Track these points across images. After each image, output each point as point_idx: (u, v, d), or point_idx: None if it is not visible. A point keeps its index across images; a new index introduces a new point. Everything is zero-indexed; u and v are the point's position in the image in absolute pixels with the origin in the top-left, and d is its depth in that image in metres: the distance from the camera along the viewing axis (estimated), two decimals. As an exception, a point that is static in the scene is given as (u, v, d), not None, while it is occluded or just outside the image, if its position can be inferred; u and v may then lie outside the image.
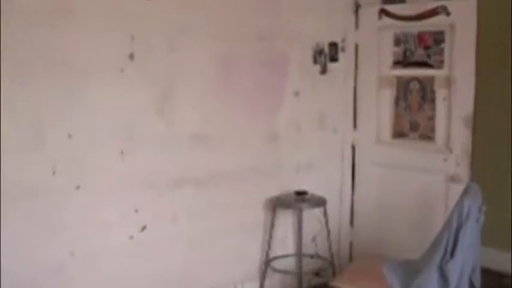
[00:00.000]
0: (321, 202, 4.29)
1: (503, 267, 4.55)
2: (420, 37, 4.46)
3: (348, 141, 4.77)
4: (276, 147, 4.35)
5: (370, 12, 4.62)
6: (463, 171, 4.24)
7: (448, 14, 4.27)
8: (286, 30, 4.30)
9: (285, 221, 4.46)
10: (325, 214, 4.33)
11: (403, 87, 4.60)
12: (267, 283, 4.34)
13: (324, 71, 4.54)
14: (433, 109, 4.45)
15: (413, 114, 4.56)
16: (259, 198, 4.31)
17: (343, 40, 4.64)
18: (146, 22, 3.64)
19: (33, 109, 3.31)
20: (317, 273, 4.55)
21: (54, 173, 3.39)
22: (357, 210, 4.83)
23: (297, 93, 4.40)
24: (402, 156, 4.58)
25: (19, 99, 3.25)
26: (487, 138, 4.69)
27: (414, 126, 4.56)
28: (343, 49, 4.65)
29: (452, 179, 4.26)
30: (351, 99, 4.74)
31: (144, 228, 3.75)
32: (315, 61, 4.50)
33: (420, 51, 4.47)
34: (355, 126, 4.77)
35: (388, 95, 4.67)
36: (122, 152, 3.61)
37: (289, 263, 4.44)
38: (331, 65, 4.58)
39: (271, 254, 4.35)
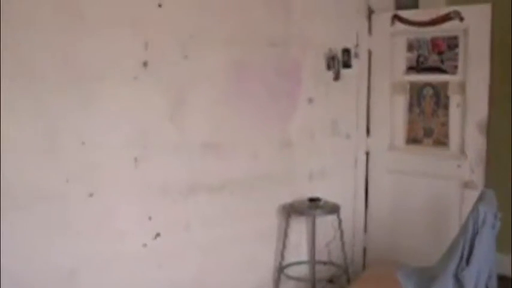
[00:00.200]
0: (334, 209, 4.28)
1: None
2: (434, 42, 4.45)
3: (361, 148, 4.75)
4: (289, 154, 4.34)
5: (383, 18, 4.60)
6: (478, 177, 4.22)
7: (461, 19, 4.25)
8: (299, 36, 4.29)
9: (299, 227, 4.45)
10: (338, 221, 4.31)
11: (416, 93, 4.58)
12: (280, 290, 4.34)
13: (337, 77, 4.53)
14: (447, 115, 4.44)
15: (427, 120, 4.54)
16: (273, 205, 4.30)
17: (356, 46, 4.64)
18: (159, 29, 3.64)
19: (47, 116, 3.30)
20: (331, 280, 4.52)
21: (67, 180, 3.39)
22: (370, 216, 4.81)
23: (310, 100, 4.40)
24: (416, 162, 4.56)
25: (32, 106, 3.25)
26: (501, 143, 4.65)
27: (428, 132, 4.53)
28: (356, 55, 4.64)
29: (467, 185, 4.24)
30: (364, 105, 4.72)
31: (157, 235, 3.75)
32: (328, 67, 4.50)
33: (434, 56, 4.45)
34: (368, 132, 4.75)
35: (401, 101, 4.65)
36: (135, 159, 3.60)
37: (303, 270, 4.43)
38: (344, 71, 4.57)
39: (285, 261, 4.34)
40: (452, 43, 4.36)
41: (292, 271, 4.36)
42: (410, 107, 4.62)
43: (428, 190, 4.45)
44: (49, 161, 3.33)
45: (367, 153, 4.77)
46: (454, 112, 4.39)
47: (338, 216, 4.30)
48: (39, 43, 3.24)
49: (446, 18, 4.32)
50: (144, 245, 3.71)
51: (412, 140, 4.63)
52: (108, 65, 3.48)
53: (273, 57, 4.17)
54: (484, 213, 3.00)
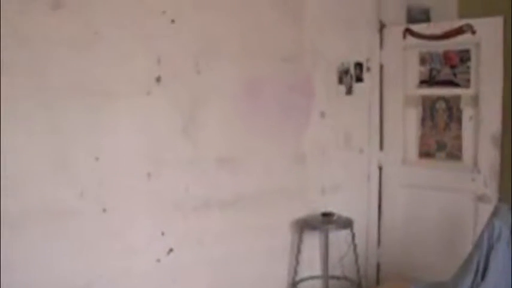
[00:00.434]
0: (347, 223, 4.26)
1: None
2: (446, 56, 4.43)
3: (374, 162, 4.74)
4: (301, 169, 4.34)
5: (395, 32, 4.61)
6: (492, 191, 4.18)
7: (473, 32, 4.24)
8: (311, 50, 4.31)
9: (312, 242, 4.43)
10: (352, 236, 4.29)
11: (429, 107, 4.56)
12: (294, 305, 4.32)
13: (349, 91, 4.53)
14: (460, 128, 4.41)
15: (439, 133, 4.52)
16: (286, 219, 4.29)
17: (368, 60, 4.63)
18: (172, 45, 3.67)
19: (61, 132, 3.33)
20: (344, 295, 4.51)
21: (81, 195, 3.41)
22: (384, 231, 4.78)
23: (322, 114, 4.40)
24: (429, 176, 4.53)
25: (47, 121, 3.29)
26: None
27: (441, 146, 4.51)
28: (368, 69, 4.63)
29: (481, 199, 4.21)
30: (377, 119, 4.71)
31: (170, 251, 3.75)
32: (340, 81, 4.50)
33: (446, 70, 4.44)
34: (381, 146, 4.74)
35: (414, 115, 4.64)
36: (148, 175, 3.62)
37: (316, 285, 4.41)
38: (356, 85, 4.57)
39: (298, 276, 4.32)
40: (464, 56, 4.34)
41: (305, 286, 4.35)
42: (423, 121, 4.60)
43: (441, 204, 4.42)
44: (63, 176, 3.36)
45: (380, 167, 4.75)
46: (467, 125, 4.36)
47: (351, 231, 4.28)
48: (54, 59, 3.28)
49: (458, 31, 4.31)
50: (158, 261, 3.72)
51: (425, 153, 4.61)
52: (122, 81, 3.51)
53: (285, 72, 4.18)
54: (500, 228, 2.97)
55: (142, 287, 3.66)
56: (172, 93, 3.68)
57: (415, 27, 4.54)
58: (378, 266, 4.82)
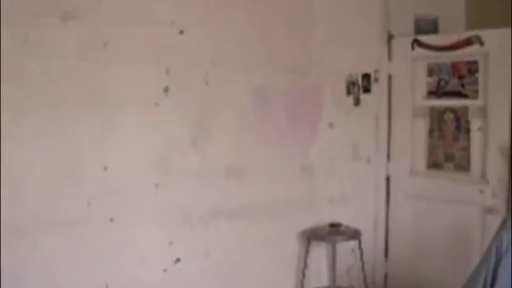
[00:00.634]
0: (355, 234, 4.25)
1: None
2: (454, 67, 4.43)
3: (382, 173, 4.73)
4: (309, 179, 4.34)
5: (403, 43, 4.61)
6: (500, 203, 4.16)
7: (481, 43, 4.23)
8: (319, 62, 4.31)
9: (319, 253, 4.43)
10: (359, 246, 4.28)
11: (437, 118, 4.55)
12: (301, 316, 4.31)
13: (357, 102, 4.53)
14: (468, 139, 4.39)
15: (447, 144, 4.50)
16: (293, 230, 4.29)
17: (376, 71, 4.64)
18: (181, 56, 3.69)
19: (70, 142, 3.36)
20: (352, 306, 4.50)
21: (89, 205, 3.43)
22: (391, 241, 4.77)
23: (331, 125, 4.40)
24: (437, 187, 4.52)
25: (56, 131, 3.31)
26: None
27: (449, 157, 4.50)
28: (376, 80, 4.64)
29: (489, 210, 4.18)
30: (385, 130, 4.71)
31: (177, 260, 3.76)
32: (348, 92, 4.50)
33: (454, 81, 4.43)
34: (389, 157, 4.73)
35: (422, 126, 4.63)
36: (156, 185, 3.63)
37: (324, 296, 4.40)
38: (364, 96, 4.57)
39: (305, 287, 4.31)
40: (472, 67, 4.33)
41: (312, 296, 4.34)
42: (431, 132, 4.59)
43: (449, 215, 4.40)
44: (71, 186, 3.38)
45: (388, 178, 4.74)
46: (475, 137, 4.34)
47: (359, 242, 4.28)
48: (64, 69, 3.31)
49: (466, 42, 4.31)
50: (165, 270, 3.73)
51: (433, 164, 4.60)
52: (130, 91, 3.53)
53: (293, 83, 4.19)
54: (508, 240, 2.95)
55: (149, 297, 3.68)
56: (181, 104, 3.70)
57: (423, 38, 4.54)
58: (386, 277, 4.80)
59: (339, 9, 4.41)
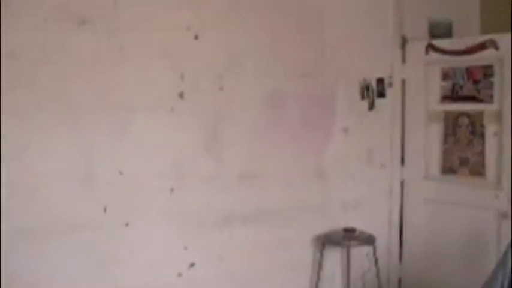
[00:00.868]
0: (370, 239, 4.24)
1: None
2: (469, 71, 4.40)
3: (396, 177, 4.71)
4: (323, 184, 4.33)
5: (417, 47, 4.59)
6: (516, 208, 4.14)
7: (496, 48, 4.21)
8: (333, 66, 4.30)
9: (333, 258, 4.41)
10: (374, 252, 4.27)
11: (451, 122, 4.53)
12: (315, 321, 4.30)
13: (371, 106, 4.52)
14: (483, 144, 4.36)
15: (462, 149, 4.48)
16: (307, 235, 4.28)
17: (391, 75, 4.62)
18: (195, 61, 3.71)
19: (85, 146, 3.39)
20: (366, 312, 4.48)
21: (104, 209, 3.45)
22: (405, 247, 4.74)
23: (345, 130, 4.39)
24: (452, 192, 4.49)
25: (71, 137, 3.34)
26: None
27: (464, 162, 4.47)
28: (390, 84, 4.62)
29: (504, 215, 4.15)
30: (399, 134, 4.68)
31: (192, 265, 3.76)
32: (362, 97, 4.49)
33: (469, 85, 4.41)
34: (403, 161, 4.71)
35: (436, 130, 4.60)
36: (171, 190, 3.64)
37: (338, 301, 4.39)
38: (378, 101, 4.55)
39: (319, 292, 4.31)
40: (488, 72, 4.31)
41: (326, 302, 4.33)
42: (446, 136, 4.57)
43: (464, 220, 4.38)
44: (87, 190, 3.41)
45: (402, 183, 4.73)
46: (490, 141, 4.31)
47: (373, 247, 4.26)
48: (79, 74, 3.33)
49: (481, 47, 4.28)
50: (179, 275, 3.74)
51: (448, 169, 4.57)
52: (146, 96, 3.56)
53: (307, 88, 4.19)
54: (524, 246, 2.94)
55: (163, 301, 3.68)
56: (196, 108, 3.72)
57: (438, 43, 4.52)
58: (400, 281, 4.78)
59: (353, 14, 4.40)
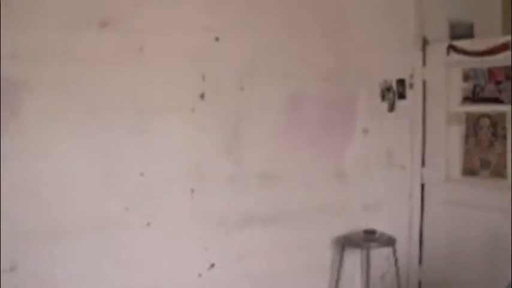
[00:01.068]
0: (390, 241, 4.23)
1: None
2: (490, 72, 4.38)
3: (416, 179, 4.68)
4: (343, 185, 4.32)
5: (438, 48, 4.56)
6: (538, 211, 4.10)
7: (518, 48, 4.19)
8: (354, 67, 4.29)
9: (353, 259, 4.40)
10: (394, 254, 4.25)
11: (472, 124, 4.50)
12: (334, 323, 4.29)
13: (392, 108, 4.50)
14: (505, 146, 4.32)
15: (483, 151, 4.45)
16: (327, 236, 4.27)
17: (411, 77, 4.60)
18: (216, 62, 3.71)
19: (107, 147, 3.40)
20: (385, 314, 4.47)
21: (126, 209, 3.46)
22: (425, 249, 4.72)
23: (365, 131, 4.37)
24: (473, 194, 4.45)
25: (93, 138, 3.35)
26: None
27: (485, 164, 4.44)
28: (411, 86, 4.60)
29: (526, 218, 4.13)
30: (419, 136, 4.66)
31: (212, 266, 3.77)
32: (383, 98, 4.47)
33: (490, 86, 4.38)
34: (423, 163, 4.69)
35: (457, 132, 4.58)
36: (192, 190, 3.65)
37: (357, 303, 4.38)
38: (399, 102, 4.54)
39: (339, 293, 4.30)
40: (509, 73, 4.27)
41: (346, 303, 4.32)
42: (466, 138, 4.54)
43: (485, 223, 4.33)
44: (109, 190, 3.42)
45: (423, 185, 4.70)
46: (512, 143, 4.30)
47: (394, 249, 4.24)
48: (99, 75, 3.35)
49: (503, 47, 4.24)
50: (200, 275, 3.74)
51: (469, 171, 4.54)
52: (167, 97, 3.57)
53: (327, 89, 4.18)
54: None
55: (183, 302, 3.70)
56: (216, 109, 3.73)
57: (459, 44, 4.49)
58: (419, 284, 4.75)
59: (374, 15, 4.39)
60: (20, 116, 3.13)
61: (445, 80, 4.57)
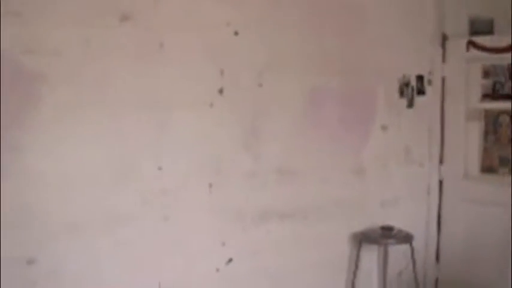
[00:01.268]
0: (407, 238, 4.21)
1: None
2: (511, 69, 4.33)
3: (434, 176, 4.66)
4: (361, 182, 4.31)
5: (457, 45, 4.53)
6: (557, 209, 4.07)
7: (539, 45, 4.15)
8: (372, 63, 4.27)
9: (370, 255, 4.39)
10: (411, 250, 4.23)
11: (492, 121, 4.47)
12: (350, 319, 4.29)
13: (410, 104, 4.47)
14: (524, 143, 4.31)
15: (503, 148, 4.42)
16: (344, 232, 4.26)
17: (430, 73, 4.57)
18: (235, 57, 3.71)
19: (126, 141, 3.41)
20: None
21: (144, 204, 3.47)
22: (443, 246, 4.69)
23: (383, 128, 4.36)
24: (491, 191, 4.41)
25: (111, 131, 3.36)
26: None
27: (504, 161, 4.41)
28: (430, 82, 4.57)
29: (546, 216, 4.10)
30: (438, 133, 4.63)
31: (230, 261, 3.78)
32: (401, 94, 4.45)
33: (510, 83, 4.34)
34: (441, 160, 4.66)
35: (476, 129, 4.55)
36: (210, 185, 3.66)
37: (373, 300, 4.37)
38: (417, 98, 4.51)
39: (355, 290, 4.29)
40: (530, 70, 4.25)
41: (362, 300, 4.32)
42: (485, 135, 4.51)
43: (504, 221, 4.29)
44: (126, 185, 3.43)
45: (441, 182, 4.67)
46: (532, 141, 4.27)
47: (411, 246, 4.23)
48: (119, 70, 3.35)
49: (523, 45, 4.22)
50: (217, 270, 3.75)
51: (487, 168, 4.51)
52: (185, 92, 3.56)
53: (346, 85, 4.16)
54: None
55: (201, 296, 3.71)
56: (235, 105, 3.72)
57: (479, 40, 4.45)
58: (436, 281, 4.73)
59: (392, 10, 4.36)
60: (38, 109, 3.14)
61: (464, 76, 4.53)
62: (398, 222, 4.33)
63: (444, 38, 4.60)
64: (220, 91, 3.66)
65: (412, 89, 4.48)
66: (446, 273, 4.66)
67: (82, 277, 3.32)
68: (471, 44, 4.47)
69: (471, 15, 4.69)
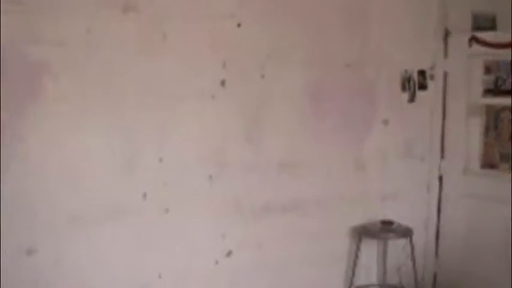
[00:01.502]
0: (407, 233, 4.21)
1: None
2: (513, 65, 4.34)
3: (435, 171, 4.65)
4: (362, 176, 4.31)
5: (460, 40, 4.51)
6: (558, 206, 4.07)
7: (542, 41, 4.14)
8: (375, 57, 4.27)
9: (369, 249, 4.40)
10: (411, 245, 4.24)
11: (493, 117, 4.47)
12: (349, 313, 4.30)
13: (412, 99, 4.47)
14: (525, 139, 4.31)
15: (504, 144, 4.41)
16: (344, 226, 4.27)
17: (432, 68, 4.56)
18: (238, 49, 3.71)
19: (127, 133, 3.41)
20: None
21: (145, 195, 3.47)
22: (442, 241, 4.70)
23: (385, 122, 4.35)
24: (491, 187, 4.41)
25: (113, 122, 3.37)
26: None
27: (505, 157, 4.41)
28: (431, 77, 4.56)
29: (546, 212, 4.10)
30: (439, 128, 4.62)
31: (229, 253, 3.78)
32: (403, 89, 4.44)
33: (513, 79, 4.34)
34: (442, 155, 4.66)
35: (477, 124, 4.55)
36: (210, 177, 3.66)
37: (373, 293, 4.38)
38: (419, 93, 4.50)
39: (355, 283, 4.29)
40: (533, 66, 4.24)
41: (361, 294, 4.33)
42: (486, 131, 4.51)
43: (503, 217, 4.29)
44: (127, 176, 3.44)
45: (441, 177, 4.67)
46: (533, 137, 4.26)
47: (410, 241, 4.23)
48: (122, 61, 3.35)
49: (526, 41, 4.21)
50: (216, 262, 3.76)
51: (488, 164, 4.51)
52: (187, 84, 3.56)
53: (348, 78, 4.16)
54: None
55: (200, 288, 3.71)
56: (237, 97, 3.72)
57: (481, 35, 4.44)
58: (435, 276, 4.74)
59: (396, 5, 4.35)
60: (41, 100, 3.15)
61: (466, 71, 4.52)
62: (398, 217, 4.33)
63: (447, 33, 4.59)
64: (222, 83, 3.66)
65: (414, 84, 4.48)
66: (445, 268, 4.67)
67: (82, 267, 3.33)
68: (473, 39, 4.46)
69: (474, 11, 4.67)
